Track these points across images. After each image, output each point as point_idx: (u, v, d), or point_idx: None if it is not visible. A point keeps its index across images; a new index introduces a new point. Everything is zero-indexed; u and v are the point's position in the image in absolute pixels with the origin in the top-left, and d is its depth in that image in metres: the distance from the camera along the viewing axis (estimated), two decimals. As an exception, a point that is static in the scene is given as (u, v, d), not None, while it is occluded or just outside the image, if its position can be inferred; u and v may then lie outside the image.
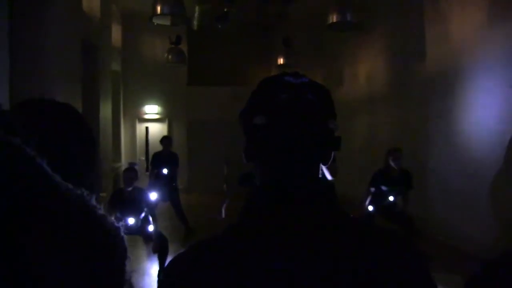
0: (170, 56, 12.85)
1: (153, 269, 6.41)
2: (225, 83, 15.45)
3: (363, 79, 11.92)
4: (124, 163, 14.17)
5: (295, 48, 13.28)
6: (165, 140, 9.08)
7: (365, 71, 11.86)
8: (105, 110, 10.75)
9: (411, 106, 9.40)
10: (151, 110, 15.27)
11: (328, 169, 0.88)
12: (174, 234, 8.56)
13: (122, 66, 14.33)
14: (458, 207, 7.63)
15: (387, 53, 10.64)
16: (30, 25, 5.87)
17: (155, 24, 9.21)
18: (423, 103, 8.77)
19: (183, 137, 15.03)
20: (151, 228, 5.89)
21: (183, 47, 13.37)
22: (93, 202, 0.76)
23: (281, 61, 13.40)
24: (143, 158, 14.95)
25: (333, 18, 8.87)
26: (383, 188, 6.80)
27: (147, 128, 15.26)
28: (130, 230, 5.70)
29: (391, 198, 6.83)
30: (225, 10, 11.47)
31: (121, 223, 0.82)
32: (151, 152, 14.69)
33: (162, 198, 8.55)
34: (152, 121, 15.32)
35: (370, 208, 6.81)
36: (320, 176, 1.02)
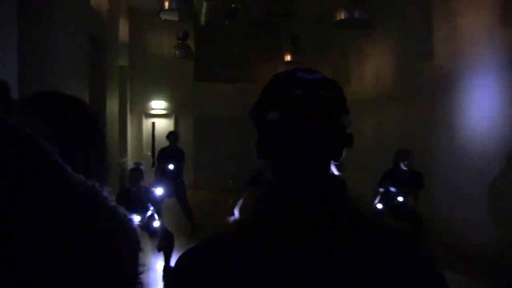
0: (177, 52, 12.86)
1: (158, 264, 6.43)
2: (232, 79, 15.46)
3: (370, 78, 11.88)
4: (130, 158, 14.21)
5: (302, 45, 13.26)
6: (171, 135, 9.09)
7: (372, 69, 11.82)
8: (112, 105, 10.77)
9: (418, 105, 9.36)
10: (158, 105, 15.29)
11: (335, 164, 0.88)
12: (179, 229, 8.58)
13: (129, 62, 14.34)
14: (461, 208, 7.60)
15: (394, 52, 10.60)
16: (39, 20, 5.88)
17: (163, 19, 9.21)
18: (430, 102, 8.73)
19: (189, 133, 15.04)
20: (156, 224, 5.89)
21: (190, 43, 13.38)
22: (105, 193, 0.76)
23: (288, 58, 13.37)
24: (149, 153, 14.98)
25: (341, 16, 8.83)
26: (392, 189, 6.79)
27: (153, 123, 15.28)
28: None
29: (400, 199, 6.82)
30: (233, 6, 11.47)
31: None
32: (157, 147, 14.75)
33: (168, 194, 8.57)
34: (158, 116, 15.34)
35: (379, 206, 6.81)
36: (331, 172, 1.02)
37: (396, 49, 10.52)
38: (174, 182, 8.61)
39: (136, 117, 15.01)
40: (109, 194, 0.79)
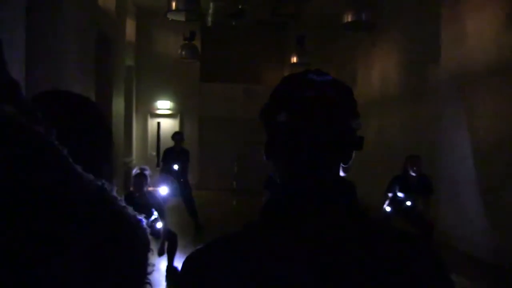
0: (183, 52, 12.88)
1: (161, 264, 6.43)
2: (238, 80, 15.47)
3: (376, 80, 11.86)
4: (135, 157, 14.24)
5: (308, 47, 13.25)
6: (176, 136, 9.11)
7: (378, 72, 11.81)
8: (118, 104, 10.80)
9: (424, 108, 9.34)
10: (163, 105, 15.31)
11: (343, 166, 0.88)
12: (184, 229, 8.59)
13: (136, 61, 14.38)
14: (466, 212, 7.58)
15: (401, 55, 10.58)
16: (46, 19, 5.90)
17: (170, 19, 9.23)
18: (436, 105, 8.71)
19: (194, 133, 15.06)
20: (159, 225, 5.89)
21: (197, 43, 13.40)
22: (114, 193, 0.76)
23: (294, 59, 13.37)
24: (154, 153, 14.99)
25: (348, 18, 8.83)
26: (400, 195, 6.78)
27: (158, 123, 15.30)
28: None
29: (408, 203, 6.81)
30: (240, 7, 11.48)
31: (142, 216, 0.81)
32: (162, 147, 14.78)
33: (173, 194, 8.60)
34: (164, 116, 15.36)
35: (388, 209, 6.80)
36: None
37: (402, 51, 10.50)
38: (179, 182, 8.63)
39: (141, 117, 15.04)
40: (118, 194, 0.78)
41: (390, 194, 6.82)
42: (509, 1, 6.87)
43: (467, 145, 7.72)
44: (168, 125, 15.21)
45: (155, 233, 6.03)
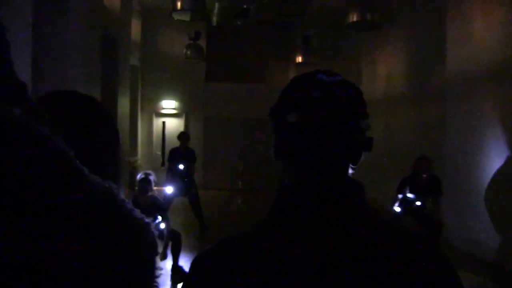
0: (188, 52, 12.89)
1: (166, 263, 6.44)
2: (243, 80, 15.47)
3: (381, 80, 11.84)
4: (140, 157, 14.27)
5: (314, 46, 13.24)
6: (182, 136, 9.13)
7: (383, 71, 11.78)
8: (123, 104, 10.82)
9: (429, 108, 9.32)
10: (169, 105, 15.33)
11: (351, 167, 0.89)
12: (188, 229, 8.61)
13: (141, 61, 14.41)
14: (471, 211, 7.55)
15: (406, 54, 10.56)
16: (52, 19, 5.92)
17: (175, 19, 9.24)
18: (442, 105, 8.68)
19: (199, 133, 15.07)
20: (162, 226, 5.90)
21: (202, 43, 13.41)
22: (121, 196, 0.75)
23: (299, 59, 13.36)
24: (159, 152, 15.01)
25: (353, 18, 8.81)
26: (410, 195, 6.77)
27: (164, 123, 15.32)
28: None
29: (418, 203, 6.80)
30: (245, 7, 11.48)
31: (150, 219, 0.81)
32: (168, 147, 14.80)
33: (179, 194, 8.62)
34: (169, 116, 15.38)
35: (398, 209, 6.78)
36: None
37: (407, 51, 10.48)
38: (184, 181, 8.65)
39: (146, 116, 15.07)
40: (125, 196, 0.77)
41: (400, 196, 6.79)
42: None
43: (471, 145, 7.69)
44: (173, 125, 15.22)
45: (159, 234, 6.04)
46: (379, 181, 10.25)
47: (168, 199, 8.46)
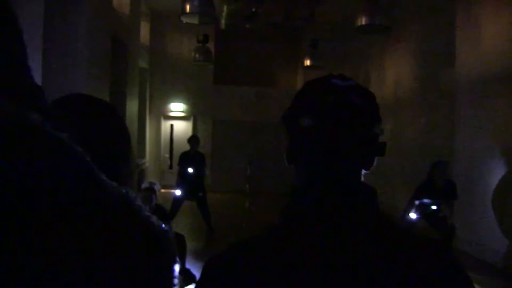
0: (197, 55, 12.90)
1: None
2: (251, 83, 15.48)
3: (390, 83, 11.81)
4: (148, 159, 14.30)
5: (322, 50, 13.22)
6: (192, 139, 9.17)
7: (392, 75, 11.75)
8: (132, 107, 10.86)
9: (439, 113, 9.28)
10: (177, 107, 15.36)
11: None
12: (195, 232, 8.62)
13: (149, 63, 14.45)
14: (481, 214, 7.51)
15: (415, 58, 10.52)
16: (62, 22, 5.96)
17: (184, 22, 9.26)
18: (451, 110, 8.65)
19: (207, 136, 15.09)
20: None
21: (210, 46, 13.43)
22: (139, 202, 0.75)
23: (307, 62, 13.34)
24: (167, 155, 15.05)
25: (362, 21, 8.78)
26: (427, 201, 6.74)
27: (172, 125, 15.36)
28: None
29: (434, 207, 6.77)
30: (253, 10, 11.49)
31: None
32: (175, 149, 14.83)
33: (187, 197, 8.65)
34: (177, 118, 15.41)
35: (413, 216, 6.74)
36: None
37: (417, 55, 10.44)
38: (193, 185, 8.67)
39: (155, 119, 15.11)
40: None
41: (417, 202, 6.73)
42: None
43: (481, 150, 7.65)
44: (181, 128, 15.26)
45: None
46: (387, 185, 10.22)
47: (177, 202, 8.51)
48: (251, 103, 15.18)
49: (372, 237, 0.91)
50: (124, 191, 0.71)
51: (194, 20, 9.15)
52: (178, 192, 8.56)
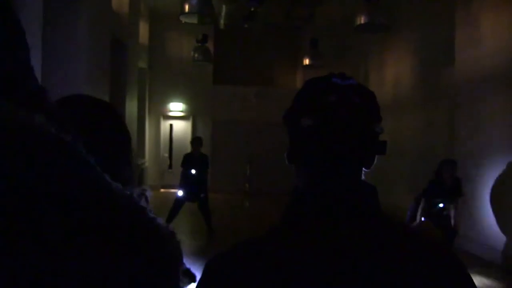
0: (196, 55, 12.91)
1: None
2: (250, 82, 15.48)
3: (389, 83, 11.81)
4: (148, 159, 14.30)
5: (321, 49, 13.23)
6: (195, 141, 9.16)
7: (391, 74, 11.75)
8: (131, 107, 10.86)
9: (438, 112, 9.28)
10: (176, 107, 15.36)
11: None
12: (194, 232, 8.62)
13: (149, 64, 14.45)
14: (482, 215, 7.52)
15: (414, 57, 10.53)
16: (61, 22, 5.96)
17: (183, 22, 9.26)
18: (451, 109, 8.65)
19: (207, 136, 15.07)
20: None
21: (210, 46, 13.43)
22: (143, 203, 0.74)
23: (307, 62, 13.35)
24: (167, 155, 15.05)
25: (361, 20, 8.79)
26: (436, 199, 6.73)
27: (171, 125, 15.36)
28: None
29: (441, 205, 6.77)
30: (252, 9, 11.49)
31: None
32: (175, 149, 14.83)
33: (188, 198, 8.65)
34: (176, 118, 15.41)
35: (422, 219, 6.73)
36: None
37: (416, 54, 10.45)
38: (195, 187, 8.67)
39: (154, 119, 15.10)
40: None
41: (425, 202, 6.72)
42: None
43: (481, 149, 7.65)
44: (181, 127, 15.26)
45: None
46: (387, 185, 10.22)
47: (178, 202, 8.52)
48: (250, 103, 15.18)
49: (372, 236, 0.91)
50: (128, 192, 0.71)
51: (193, 20, 9.16)
52: (180, 193, 8.57)
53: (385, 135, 1.01)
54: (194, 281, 0.97)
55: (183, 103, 15.38)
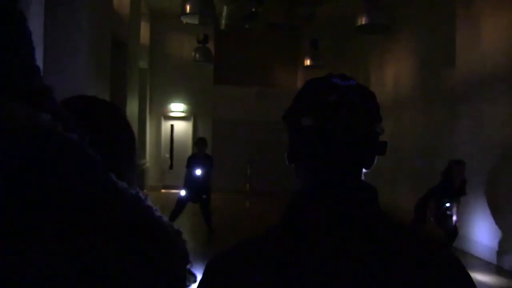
0: (197, 55, 12.90)
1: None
2: (251, 83, 15.48)
3: (390, 83, 11.81)
4: (148, 159, 14.30)
5: (322, 49, 13.23)
6: (200, 142, 9.13)
7: (392, 75, 11.75)
8: (132, 107, 10.86)
9: (439, 112, 9.28)
10: (177, 108, 15.36)
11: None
12: (195, 232, 8.63)
13: (150, 64, 14.45)
14: (479, 214, 7.52)
15: (415, 58, 10.52)
16: (62, 22, 5.96)
17: (184, 22, 9.26)
18: (451, 109, 8.65)
19: (207, 136, 15.02)
20: None
21: (210, 46, 13.43)
22: (149, 202, 0.74)
23: (307, 62, 13.34)
24: (168, 155, 15.05)
25: (362, 21, 8.78)
26: (446, 200, 6.74)
27: (172, 125, 15.36)
28: None
29: (447, 204, 6.79)
30: (253, 10, 11.50)
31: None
32: (176, 149, 14.83)
33: (192, 199, 8.64)
34: (177, 119, 15.41)
35: (431, 219, 6.74)
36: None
37: (416, 54, 10.45)
38: (198, 188, 8.66)
39: (155, 119, 15.10)
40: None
41: (435, 203, 6.73)
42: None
43: (481, 148, 7.65)
44: (182, 128, 15.26)
45: None
46: (387, 185, 10.22)
47: (181, 202, 8.52)
48: (251, 103, 15.18)
49: (373, 237, 0.91)
50: (134, 191, 0.71)
51: (194, 20, 9.16)
52: (182, 193, 8.56)
53: (385, 135, 1.01)
54: (195, 281, 0.97)
55: (184, 103, 15.38)
